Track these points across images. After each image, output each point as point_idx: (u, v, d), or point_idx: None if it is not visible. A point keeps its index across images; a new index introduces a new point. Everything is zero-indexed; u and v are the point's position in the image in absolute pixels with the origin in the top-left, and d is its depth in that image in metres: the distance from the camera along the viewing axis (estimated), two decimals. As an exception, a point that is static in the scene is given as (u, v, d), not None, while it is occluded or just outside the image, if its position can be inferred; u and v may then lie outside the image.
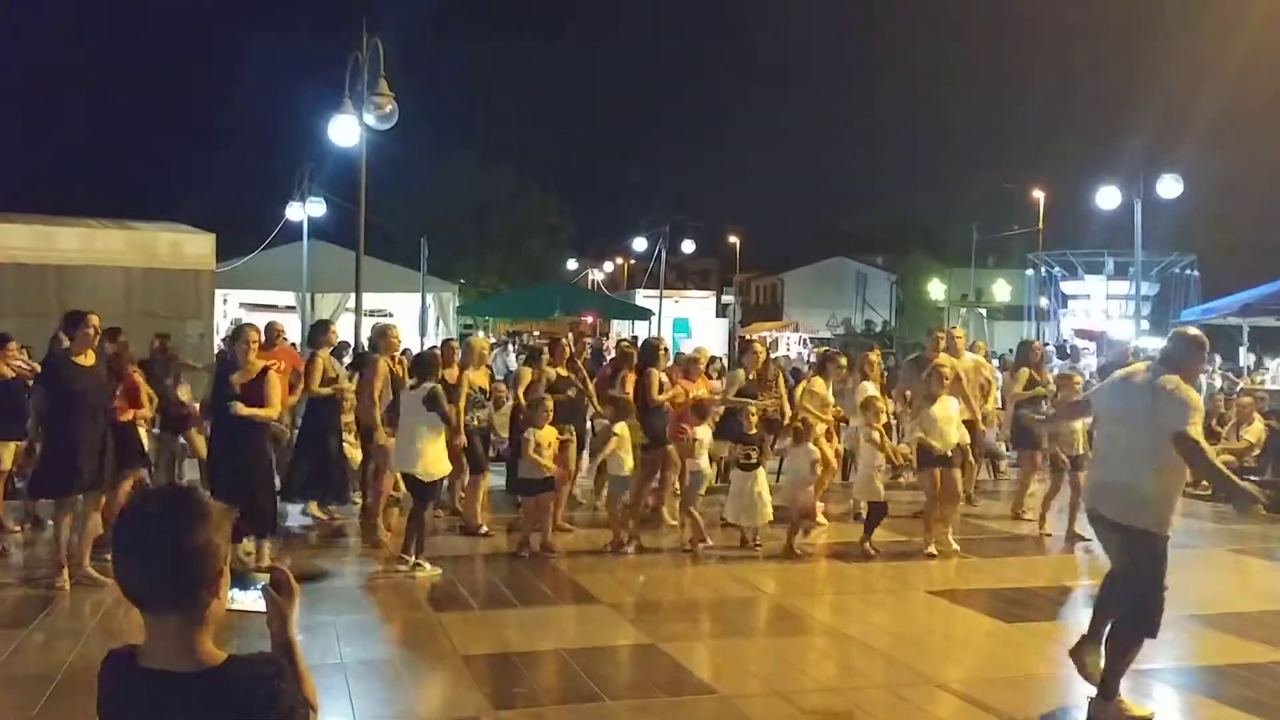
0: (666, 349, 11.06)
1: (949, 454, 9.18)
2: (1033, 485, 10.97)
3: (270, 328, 11.35)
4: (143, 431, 8.82)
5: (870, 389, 10.01)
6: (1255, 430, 12.80)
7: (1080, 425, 10.12)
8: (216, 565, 1.91)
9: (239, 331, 8.25)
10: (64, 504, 7.58)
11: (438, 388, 8.32)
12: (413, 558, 8.09)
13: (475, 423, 9.66)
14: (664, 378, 9.88)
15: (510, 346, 25.92)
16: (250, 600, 2.05)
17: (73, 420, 7.49)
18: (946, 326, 11.92)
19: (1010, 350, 18.42)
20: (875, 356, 11.25)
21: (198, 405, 10.17)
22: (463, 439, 9.28)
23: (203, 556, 1.88)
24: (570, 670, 5.98)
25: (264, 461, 8.13)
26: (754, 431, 9.36)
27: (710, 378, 11.37)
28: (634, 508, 9.32)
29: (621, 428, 9.24)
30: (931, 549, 9.07)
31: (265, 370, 7.97)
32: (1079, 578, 8.71)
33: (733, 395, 10.52)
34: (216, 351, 15.00)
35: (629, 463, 9.18)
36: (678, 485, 9.62)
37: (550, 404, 9.03)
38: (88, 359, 7.62)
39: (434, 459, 8.26)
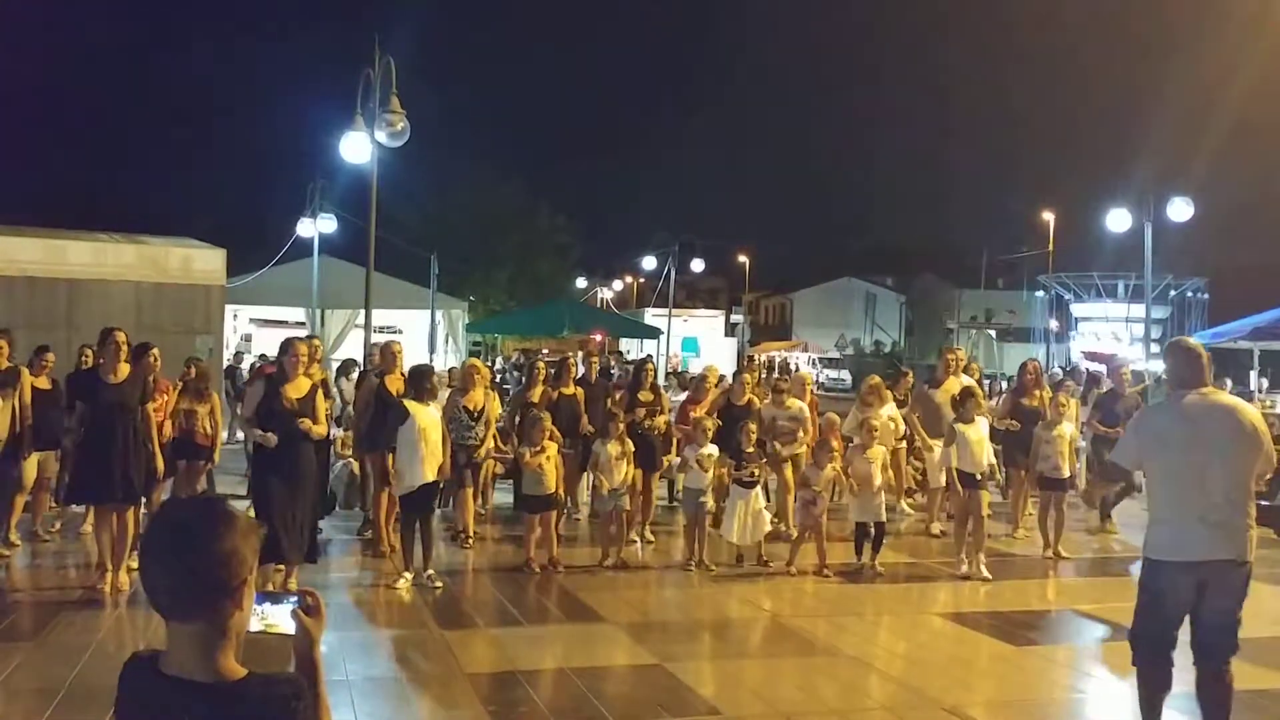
0: (654, 368, 11.16)
1: (978, 476, 9.17)
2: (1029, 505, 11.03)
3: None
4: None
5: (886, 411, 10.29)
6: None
7: (1067, 446, 10.08)
8: (241, 575, 1.89)
9: (287, 345, 7.87)
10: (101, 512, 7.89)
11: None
12: (408, 573, 8.11)
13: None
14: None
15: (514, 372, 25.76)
16: (280, 621, 2.04)
17: (103, 433, 7.62)
18: (955, 347, 11.86)
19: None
20: (876, 380, 11.31)
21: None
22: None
23: (227, 564, 1.87)
24: (575, 689, 5.96)
25: (313, 484, 7.82)
26: (752, 450, 9.32)
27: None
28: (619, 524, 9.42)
29: (612, 445, 9.26)
30: (965, 569, 9.06)
31: (315, 387, 7.85)
32: (1087, 601, 8.62)
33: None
34: (225, 367, 15.05)
35: (617, 478, 9.20)
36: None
37: (547, 422, 9.04)
38: (118, 374, 7.72)
39: (429, 470, 8.16)
